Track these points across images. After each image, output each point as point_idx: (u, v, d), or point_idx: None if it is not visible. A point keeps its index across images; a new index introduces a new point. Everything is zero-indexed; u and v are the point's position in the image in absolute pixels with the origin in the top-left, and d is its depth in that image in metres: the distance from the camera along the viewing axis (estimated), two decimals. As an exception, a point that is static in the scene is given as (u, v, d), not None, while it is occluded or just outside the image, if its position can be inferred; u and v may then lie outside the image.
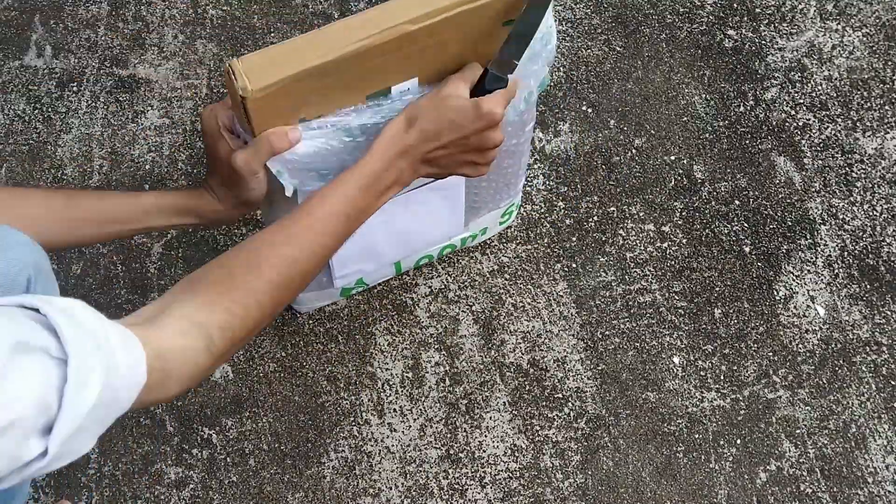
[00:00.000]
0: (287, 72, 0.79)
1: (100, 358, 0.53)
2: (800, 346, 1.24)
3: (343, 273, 1.13)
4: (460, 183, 1.07)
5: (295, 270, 0.76)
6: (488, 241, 1.29)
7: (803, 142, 1.38)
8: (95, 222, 0.92)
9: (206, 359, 0.68)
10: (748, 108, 1.41)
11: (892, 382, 1.22)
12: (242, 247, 0.76)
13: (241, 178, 0.86)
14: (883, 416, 1.19)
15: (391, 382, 1.20)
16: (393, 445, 1.16)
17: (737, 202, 1.34)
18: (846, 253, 1.30)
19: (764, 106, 1.41)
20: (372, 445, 1.16)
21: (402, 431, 1.17)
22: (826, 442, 1.18)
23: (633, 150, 1.37)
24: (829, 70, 1.44)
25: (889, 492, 1.15)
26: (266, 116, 0.82)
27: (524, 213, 1.31)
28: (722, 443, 1.17)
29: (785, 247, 1.31)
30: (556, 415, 1.19)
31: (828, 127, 1.40)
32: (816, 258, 1.30)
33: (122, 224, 0.93)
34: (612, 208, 1.33)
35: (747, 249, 1.30)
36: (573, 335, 1.24)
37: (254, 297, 0.72)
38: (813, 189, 1.35)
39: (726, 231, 1.32)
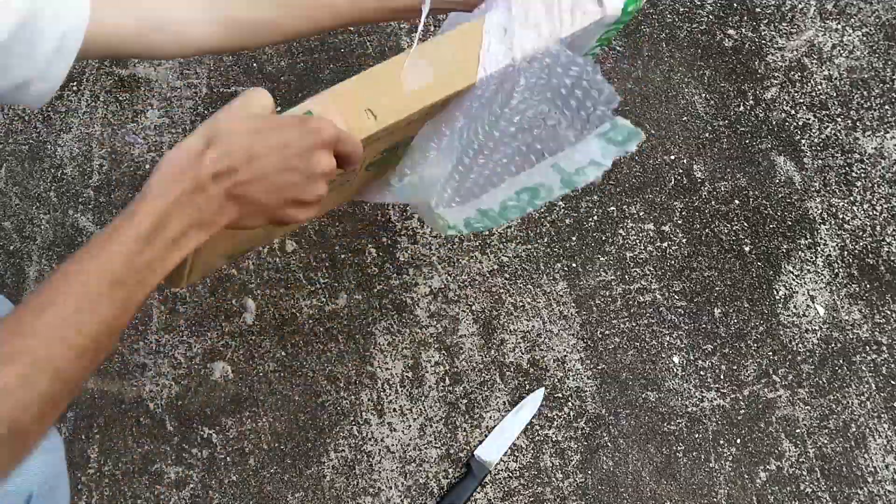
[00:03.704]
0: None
1: None
2: (800, 345, 1.24)
3: None
4: None
5: (44, 373, 0.54)
6: (488, 241, 1.29)
7: (803, 141, 1.38)
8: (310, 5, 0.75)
9: None
10: (748, 107, 1.41)
11: (892, 382, 1.22)
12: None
13: None
14: (883, 415, 1.19)
15: (391, 382, 1.20)
16: (393, 445, 1.16)
17: (737, 202, 1.34)
18: (846, 252, 1.30)
19: (764, 105, 1.41)
20: (372, 445, 1.16)
21: (402, 431, 1.17)
22: (826, 441, 1.18)
23: (633, 150, 1.37)
24: (828, 69, 1.44)
25: (889, 491, 1.15)
26: None
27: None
28: (722, 442, 1.17)
29: (785, 246, 1.31)
30: (556, 414, 1.19)
31: (828, 126, 1.40)
32: (816, 258, 1.30)
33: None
34: (611, 208, 1.33)
35: (747, 249, 1.30)
36: (573, 335, 1.24)
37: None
38: (813, 189, 1.35)
39: (726, 231, 1.32)
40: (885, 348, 1.24)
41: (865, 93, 1.42)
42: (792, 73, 1.44)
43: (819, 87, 1.43)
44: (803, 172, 1.36)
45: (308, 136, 0.61)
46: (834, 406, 1.20)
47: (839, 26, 1.48)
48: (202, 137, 0.59)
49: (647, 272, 1.28)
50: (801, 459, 1.16)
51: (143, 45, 0.73)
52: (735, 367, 1.22)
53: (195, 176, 0.58)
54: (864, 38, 1.47)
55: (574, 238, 1.30)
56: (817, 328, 1.25)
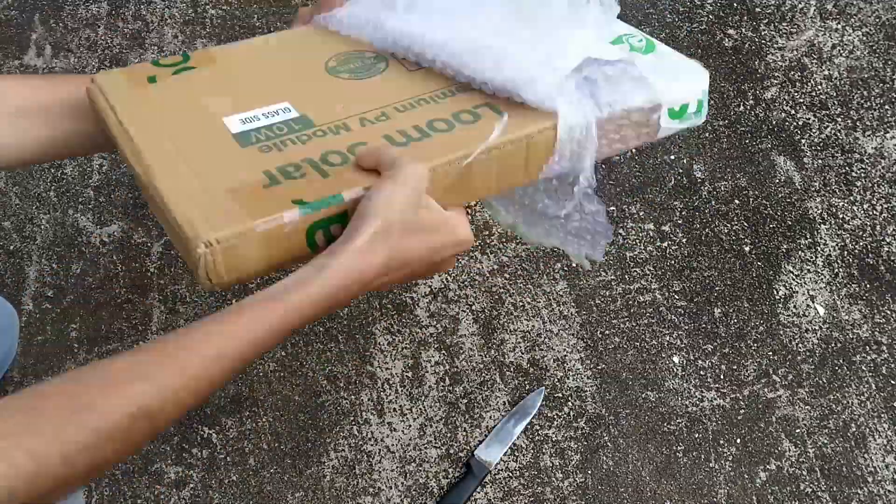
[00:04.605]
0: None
1: None
2: (800, 345, 1.24)
3: None
4: None
5: (143, 420, 0.52)
6: (488, 241, 1.29)
7: (803, 141, 1.38)
8: (78, 113, 0.74)
9: None
10: (748, 107, 1.41)
11: (892, 382, 1.22)
12: (93, 367, 0.53)
13: None
14: (883, 415, 1.19)
15: (391, 382, 1.20)
16: (393, 445, 1.16)
17: (737, 201, 1.34)
18: (846, 252, 1.30)
19: (764, 105, 1.41)
20: (372, 445, 1.16)
21: (402, 431, 1.17)
22: (826, 441, 1.18)
23: (633, 150, 1.37)
24: (828, 69, 1.44)
25: (889, 491, 1.15)
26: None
27: (524, 213, 1.31)
28: (722, 442, 1.17)
29: (785, 246, 1.31)
30: (556, 414, 1.19)
31: (827, 126, 1.40)
32: (816, 257, 1.30)
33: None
34: (611, 208, 1.33)
35: (747, 249, 1.30)
36: (573, 334, 1.24)
37: (58, 447, 0.48)
38: (813, 188, 1.35)
39: (726, 230, 1.32)
40: (885, 348, 1.24)
41: (865, 93, 1.42)
42: (792, 72, 1.44)
43: (819, 86, 1.43)
44: (803, 172, 1.36)
45: (453, 248, 0.69)
46: (834, 406, 1.20)
47: (839, 26, 1.48)
48: (382, 230, 0.63)
49: (647, 272, 1.28)
50: (801, 459, 1.17)
51: None
52: (735, 367, 1.22)
53: (366, 281, 0.63)
54: (864, 38, 1.47)
55: (574, 238, 1.30)
56: (817, 328, 1.25)
